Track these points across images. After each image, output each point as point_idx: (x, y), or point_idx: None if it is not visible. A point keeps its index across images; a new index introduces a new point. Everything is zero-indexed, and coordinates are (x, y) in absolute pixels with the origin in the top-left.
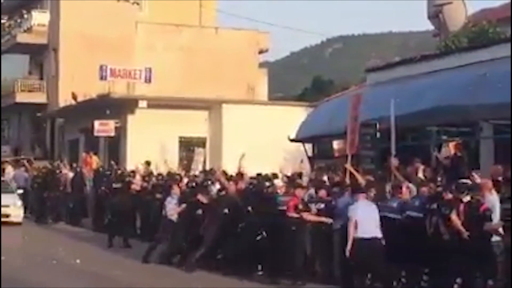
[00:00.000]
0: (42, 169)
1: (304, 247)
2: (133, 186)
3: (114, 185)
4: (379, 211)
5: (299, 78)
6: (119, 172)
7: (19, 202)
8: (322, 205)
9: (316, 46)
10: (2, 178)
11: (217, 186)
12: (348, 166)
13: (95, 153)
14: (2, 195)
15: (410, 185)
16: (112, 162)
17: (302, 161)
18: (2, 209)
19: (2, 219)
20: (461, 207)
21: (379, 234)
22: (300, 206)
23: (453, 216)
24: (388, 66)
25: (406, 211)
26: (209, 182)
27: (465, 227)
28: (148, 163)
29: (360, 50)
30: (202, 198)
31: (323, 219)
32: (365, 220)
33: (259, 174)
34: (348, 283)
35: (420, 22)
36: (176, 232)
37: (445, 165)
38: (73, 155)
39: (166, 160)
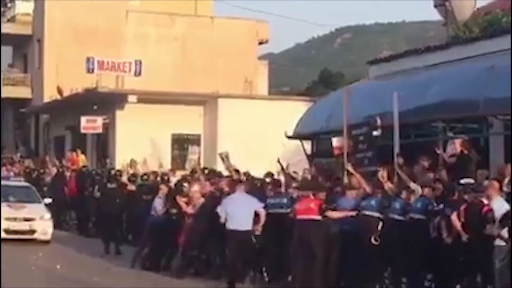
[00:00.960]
0: (26, 168)
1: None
2: (128, 187)
3: (109, 186)
4: (381, 212)
5: (306, 71)
6: (112, 172)
7: (48, 215)
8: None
9: (324, 37)
10: (23, 183)
11: (195, 187)
12: (349, 166)
13: (83, 152)
14: (27, 206)
15: (414, 185)
16: (108, 160)
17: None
18: (26, 223)
19: (24, 236)
20: (462, 208)
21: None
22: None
23: (453, 217)
24: (392, 58)
25: (409, 212)
26: (186, 183)
27: (465, 229)
28: (132, 162)
29: (371, 41)
30: (179, 199)
31: (351, 213)
32: (237, 213)
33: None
34: None
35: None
36: (160, 235)
37: (451, 164)
38: (59, 153)
39: (146, 160)
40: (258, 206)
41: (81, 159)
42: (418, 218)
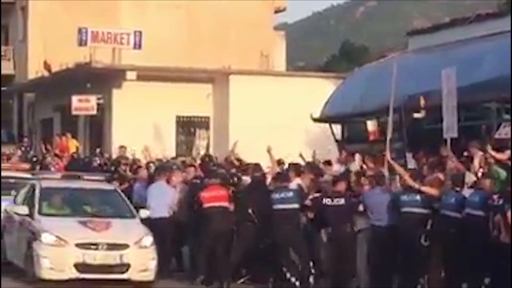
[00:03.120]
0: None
1: None
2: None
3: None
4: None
5: (324, 44)
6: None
7: (148, 238)
8: (342, 201)
9: (345, 5)
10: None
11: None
12: (387, 154)
13: (73, 136)
14: (113, 223)
15: (468, 174)
16: (98, 150)
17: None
18: (113, 253)
19: (110, 276)
20: None
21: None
22: None
23: (508, 213)
24: (435, 28)
25: (465, 208)
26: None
27: None
28: (122, 148)
29: (399, 9)
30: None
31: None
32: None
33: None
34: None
35: None
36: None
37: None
38: (46, 138)
39: (148, 147)
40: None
41: (72, 144)
42: (476, 214)
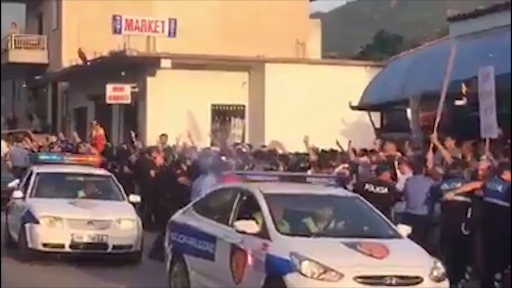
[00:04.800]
0: (40, 146)
1: None
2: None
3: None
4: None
5: (358, 34)
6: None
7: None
8: (385, 190)
9: None
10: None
11: None
12: (434, 138)
13: (101, 125)
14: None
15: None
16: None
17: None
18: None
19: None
20: None
21: None
22: None
23: None
24: (475, 14)
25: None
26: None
27: None
28: (163, 137)
29: None
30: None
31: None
32: None
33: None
34: None
35: None
36: None
37: None
38: (80, 127)
39: (189, 133)
40: None
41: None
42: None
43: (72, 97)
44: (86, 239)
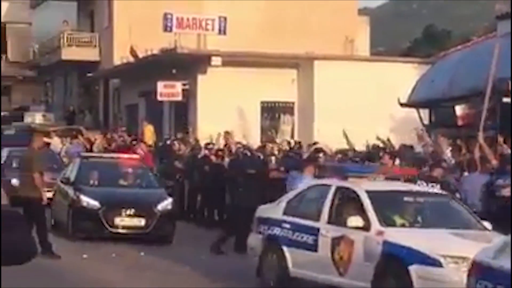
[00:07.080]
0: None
1: None
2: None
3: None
4: None
5: (406, 28)
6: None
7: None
8: (437, 187)
9: None
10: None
11: None
12: (480, 138)
13: (149, 123)
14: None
15: None
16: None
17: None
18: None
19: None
20: None
21: None
22: None
23: None
24: None
25: None
26: None
27: None
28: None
29: None
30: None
31: None
32: None
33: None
34: None
35: None
36: None
37: None
38: (131, 124)
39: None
40: None
41: (148, 131)
42: None
43: (123, 94)
44: None
